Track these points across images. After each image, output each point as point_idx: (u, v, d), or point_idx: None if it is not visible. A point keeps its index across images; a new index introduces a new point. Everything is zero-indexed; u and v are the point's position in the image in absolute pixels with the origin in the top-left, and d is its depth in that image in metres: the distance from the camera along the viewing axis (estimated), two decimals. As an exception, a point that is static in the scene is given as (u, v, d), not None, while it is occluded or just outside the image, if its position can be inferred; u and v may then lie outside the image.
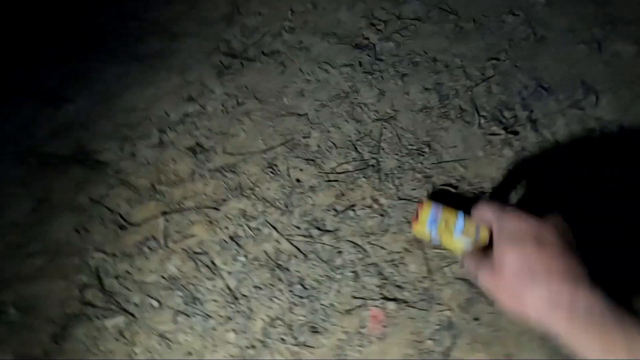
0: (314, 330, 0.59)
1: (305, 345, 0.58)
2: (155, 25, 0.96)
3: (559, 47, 0.96)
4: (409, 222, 0.68)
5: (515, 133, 0.79)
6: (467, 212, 0.59)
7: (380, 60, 0.91)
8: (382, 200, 0.71)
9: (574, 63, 0.93)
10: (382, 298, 0.62)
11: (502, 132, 0.80)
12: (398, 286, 0.63)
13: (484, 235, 0.56)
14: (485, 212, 0.48)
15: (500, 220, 0.43)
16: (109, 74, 0.88)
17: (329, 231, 0.67)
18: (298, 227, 0.68)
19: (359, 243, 0.66)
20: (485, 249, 0.46)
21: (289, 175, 0.73)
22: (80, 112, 0.81)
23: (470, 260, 0.47)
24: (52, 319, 0.59)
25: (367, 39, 0.95)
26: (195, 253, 0.65)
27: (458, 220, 0.59)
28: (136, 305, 0.60)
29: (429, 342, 0.59)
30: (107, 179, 0.72)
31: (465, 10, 1.02)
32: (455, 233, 0.58)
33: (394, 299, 0.62)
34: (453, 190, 0.71)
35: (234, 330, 0.59)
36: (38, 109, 0.81)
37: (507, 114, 0.82)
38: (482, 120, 0.81)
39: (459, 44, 0.95)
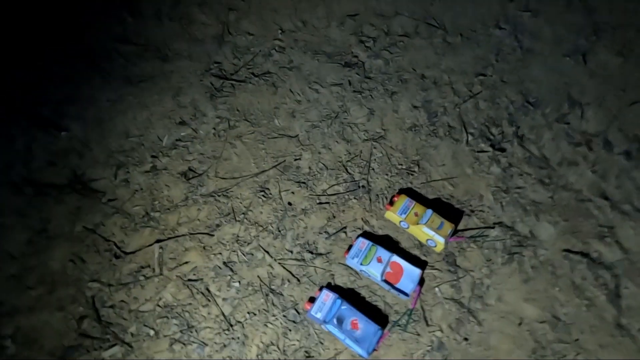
0: (308, 355, 0.60)
1: (299, 370, 0.59)
2: (147, 47, 0.97)
3: (545, 60, 0.97)
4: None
5: (503, 150, 0.81)
6: (437, 211, 0.68)
7: (370, 78, 0.92)
8: (373, 222, 0.72)
9: (560, 75, 0.94)
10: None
11: (490, 149, 0.81)
12: (389, 306, 0.64)
13: (446, 229, 0.66)
14: None
15: None
16: (102, 98, 0.88)
17: (321, 254, 0.69)
18: (291, 251, 0.69)
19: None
20: None
21: (281, 199, 0.74)
22: (75, 139, 0.82)
23: None
24: (51, 351, 0.60)
25: (357, 56, 0.96)
26: (190, 280, 0.66)
27: (426, 214, 0.67)
28: (132, 335, 0.61)
29: (421, 363, 0.60)
30: (102, 208, 0.73)
31: (452, 24, 1.03)
32: (421, 222, 0.66)
33: (386, 321, 0.63)
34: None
35: (229, 357, 0.60)
36: (33, 137, 0.82)
37: (494, 130, 0.84)
38: (470, 138, 0.83)
39: (447, 59, 0.96)
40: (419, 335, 0.62)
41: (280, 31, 1.00)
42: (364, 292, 0.65)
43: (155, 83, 0.91)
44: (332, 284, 0.66)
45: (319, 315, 0.60)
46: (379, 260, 0.63)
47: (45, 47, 0.96)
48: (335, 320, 0.59)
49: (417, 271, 0.62)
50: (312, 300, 0.62)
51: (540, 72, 0.95)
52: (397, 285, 0.61)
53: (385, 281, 0.62)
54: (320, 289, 0.63)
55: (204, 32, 1.01)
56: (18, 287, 0.65)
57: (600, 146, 0.83)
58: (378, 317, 0.62)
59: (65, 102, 0.88)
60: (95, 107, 0.87)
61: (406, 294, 0.62)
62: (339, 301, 0.61)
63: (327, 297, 0.61)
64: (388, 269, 0.62)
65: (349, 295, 0.64)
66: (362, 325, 0.59)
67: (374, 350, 0.59)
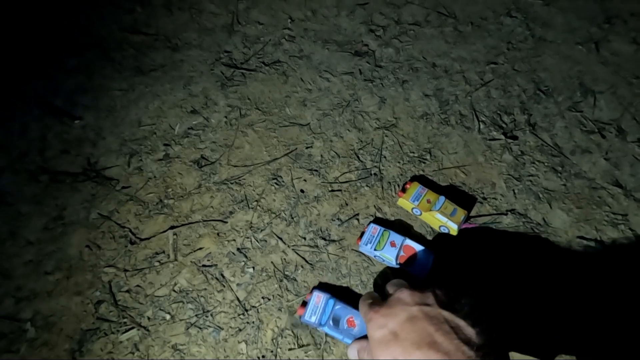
0: (324, 340, 0.61)
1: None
2: (157, 37, 0.97)
3: (557, 48, 0.96)
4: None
5: (515, 138, 0.80)
6: (449, 197, 0.69)
7: (380, 67, 0.92)
8: (385, 209, 0.72)
9: (572, 63, 0.94)
10: (387, 306, 0.63)
11: (502, 137, 0.81)
12: (403, 293, 0.64)
13: (459, 215, 0.67)
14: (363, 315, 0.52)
15: (368, 326, 0.47)
16: (115, 88, 0.89)
17: (334, 241, 0.69)
18: (304, 238, 0.69)
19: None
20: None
21: (293, 186, 0.75)
22: (88, 128, 0.82)
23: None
24: (69, 334, 0.61)
25: (367, 45, 0.96)
26: (205, 266, 0.67)
27: (439, 200, 0.68)
28: (149, 318, 0.62)
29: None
30: (116, 195, 0.74)
31: (463, 13, 1.02)
32: (434, 209, 0.67)
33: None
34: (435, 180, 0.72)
35: (245, 341, 0.61)
36: (47, 126, 0.83)
37: (506, 118, 0.83)
38: (482, 126, 0.82)
39: (458, 48, 0.95)
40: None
41: (290, 20, 1.00)
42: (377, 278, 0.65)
43: (166, 72, 0.92)
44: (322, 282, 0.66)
45: (313, 319, 0.58)
46: (393, 245, 0.63)
47: (55, 39, 0.97)
48: (331, 322, 0.58)
49: (429, 253, 0.62)
50: (304, 304, 0.60)
51: (552, 60, 0.95)
52: (412, 269, 0.62)
53: (400, 265, 0.62)
54: (311, 290, 0.62)
55: (214, 22, 1.01)
56: (36, 272, 0.66)
57: (613, 134, 0.82)
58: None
59: (77, 92, 0.89)
60: (107, 97, 0.88)
61: (422, 276, 0.62)
62: (331, 301, 0.59)
63: (319, 299, 0.60)
64: (402, 253, 0.62)
65: (342, 292, 0.64)
66: (359, 321, 0.57)
67: None
